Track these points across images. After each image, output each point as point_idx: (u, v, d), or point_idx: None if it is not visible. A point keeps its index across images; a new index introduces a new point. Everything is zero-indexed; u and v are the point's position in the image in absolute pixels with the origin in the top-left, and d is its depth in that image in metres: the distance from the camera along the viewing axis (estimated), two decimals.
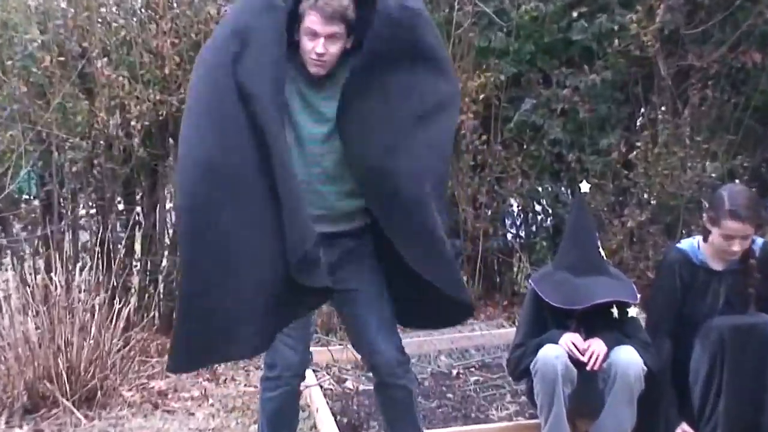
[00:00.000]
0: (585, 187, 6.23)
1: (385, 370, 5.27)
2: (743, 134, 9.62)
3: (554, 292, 5.88)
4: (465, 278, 9.96)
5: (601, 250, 6.12)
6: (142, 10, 9.36)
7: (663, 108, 9.42)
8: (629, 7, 9.44)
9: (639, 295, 6.04)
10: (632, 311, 5.98)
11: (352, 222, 5.17)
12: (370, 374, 5.74)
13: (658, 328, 6.11)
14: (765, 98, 9.68)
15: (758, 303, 6.05)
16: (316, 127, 4.92)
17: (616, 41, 9.40)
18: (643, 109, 9.77)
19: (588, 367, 5.73)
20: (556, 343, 5.77)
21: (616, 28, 9.43)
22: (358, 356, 5.67)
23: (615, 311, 5.89)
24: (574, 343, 5.75)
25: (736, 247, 5.86)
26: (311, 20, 4.76)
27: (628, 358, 5.72)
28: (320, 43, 4.78)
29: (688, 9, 9.45)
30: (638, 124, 9.83)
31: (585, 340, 5.82)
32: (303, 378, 5.44)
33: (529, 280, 6.36)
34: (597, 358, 5.73)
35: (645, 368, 5.71)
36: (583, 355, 5.73)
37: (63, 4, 9.32)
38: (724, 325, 5.87)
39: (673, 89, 9.43)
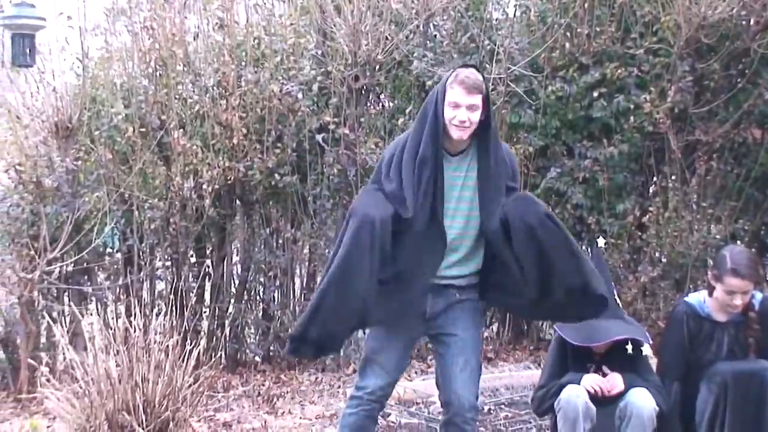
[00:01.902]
0: (601, 242, 6.28)
1: (456, 410, 5.27)
2: (744, 201, 9.66)
3: (575, 333, 5.87)
4: (496, 325, 9.97)
5: (617, 297, 6.12)
6: (214, 88, 9.43)
7: (673, 177, 9.41)
8: (644, 89, 9.50)
9: (651, 341, 6.03)
10: (645, 350, 5.97)
11: (462, 278, 5.25)
12: (412, 409, 5.74)
13: (668, 372, 6.08)
14: (764, 170, 9.72)
15: (757, 351, 6.02)
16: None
17: (632, 118, 9.45)
18: (655, 178, 9.79)
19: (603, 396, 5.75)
20: (578, 383, 5.77)
21: (632, 106, 9.48)
22: (401, 393, 5.68)
23: (630, 348, 5.88)
24: (598, 385, 5.75)
25: (738, 301, 5.84)
26: (454, 93, 5.04)
27: (643, 398, 5.69)
28: (463, 110, 5.02)
29: (696, 90, 9.51)
30: (651, 191, 9.86)
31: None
32: (382, 406, 5.50)
33: (554, 326, 6.37)
34: (614, 387, 5.75)
35: (657, 408, 5.68)
36: (602, 390, 5.73)
37: (145, 82, 9.43)
38: (726, 371, 5.85)
39: (682, 161, 9.43)
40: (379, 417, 5.67)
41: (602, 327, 5.81)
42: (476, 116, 5.07)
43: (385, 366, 5.31)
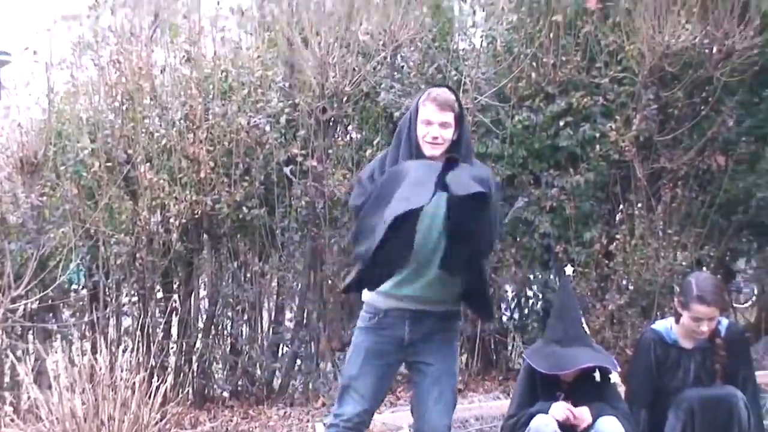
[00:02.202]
0: (569, 270, 6.29)
1: None
2: (709, 228, 9.66)
3: (544, 362, 5.88)
4: (465, 356, 9.95)
5: (584, 325, 6.12)
6: (181, 121, 9.40)
7: (639, 205, 9.42)
8: (609, 117, 9.53)
9: (619, 368, 6.03)
10: (614, 378, 5.97)
11: (441, 305, 5.30)
12: None
13: (635, 399, 6.10)
14: (728, 196, 9.76)
15: (724, 377, 6.04)
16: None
17: (598, 147, 9.46)
18: (621, 206, 9.79)
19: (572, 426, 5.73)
20: (546, 413, 5.75)
21: (597, 135, 9.49)
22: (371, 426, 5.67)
23: (597, 375, 5.87)
24: (566, 411, 5.74)
25: (704, 327, 5.87)
26: (427, 111, 5.17)
27: (612, 427, 5.69)
28: (435, 127, 5.15)
29: (661, 118, 9.55)
30: (617, 219, 9.86)
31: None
32: None
33: (523, 355, 6.37)
34: (582, 421, 5.72)
35: None
36: (571, 418, 5.71)
37: (111, 116, 9.39)
38: (694, 397, 5.87)
39: (647, 188, 9.46)
40: None
41: (570, 355, 5.81)
42: (449, 133, 5.19)
43: (363, 392, 5.35)
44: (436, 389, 5.32)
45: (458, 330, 5.63)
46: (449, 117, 5.18)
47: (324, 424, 7.02)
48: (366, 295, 5.49)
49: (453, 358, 5.50)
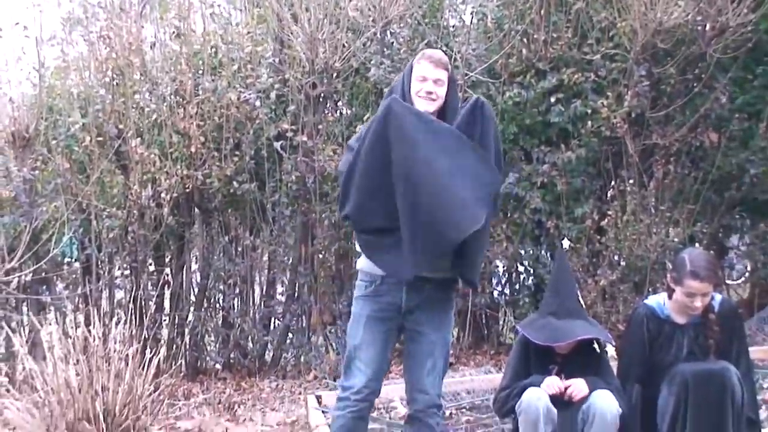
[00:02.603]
0: (565, 244, 6.28)
1: (422, 407, 5.35)
2: (702, 204, 9.66)
3: (539, 333, 5.87)
4: (456, 330, 9.97)
5: (580, 298, 6.13)
6: (172, 96, 9.40)
7: (631, 181, 9.43)
8: (601, 94, 9.52)
9: (614, 342, 6.04)
10: (609, 350, 5.99)
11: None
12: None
13: (628, 374, 6.08)
14: (721, 173, 9.74)
15: (717, 352, 6.03)
16: None
17: (590, 123, 9.46)
18: (613, 182, 9.79)
19: (567, 398, 5.73)
20: (539, 386, 5.75)
21: (589, 111, 9.48)
22: None
23: (597, 347, 5.89)
24: (558, 387, 5.74)
25: (698, 303, 5.85)
26: (421, 68, 5.24)
27: (606, 400, 5.68)
28: (430, 83, 5.20)
29: (653, 95, 9.53)
30: (609, 195, 9.84)
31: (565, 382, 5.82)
32: (371, 405, 5.48)
33: (517, 326, 6.37)
34: (579, 392, 5.72)
35: (620, 410, 5.68)
36: (564, 392, 5.72)
37: (102, 92, 9.36)
38: (687, 371, 5.85)
39: (639, 165, 9.46)
40: None
41: (566, 327, 5.81)
42: (442, 91, 5.27)
43: (368, 361, 5.34)
44: (429, 360, 5.33)
45: (453, 299, 5.61)
46: (443, 75, 5.24)
47: (317, 398, 7.04)
48: (361, 262, 5.46)
49: (447, 328, 5.49)
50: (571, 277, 6.29)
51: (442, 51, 9.23)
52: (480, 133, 5.12)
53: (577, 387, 5.76)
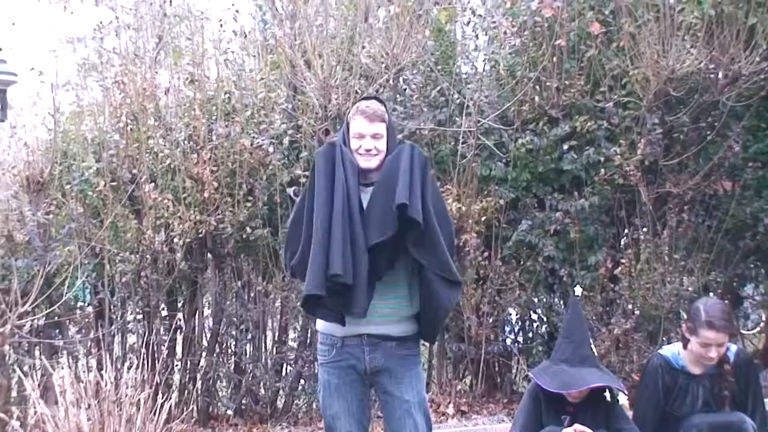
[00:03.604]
0: (578, 290, 6.26)
1: None
2: (716, 253, 9.63)
3: (551, 380, 5.82)
4: (469, 378, 9.92)
5: (593, 346, 6.08)
6: (185, 142, 9.40)
7: (644, 229, 9.38)
8: (614, 141, 9.50)
9: (627, 392, 6.00)
10: (621, 399, 5.94)
11: (396, 326, 5.18)
12: None
13: (643, 425, 6.03)
14: (735, 221, 9.71)
15: (732, 403, 6.00)
16: None
17: (603, 171, 9.44)
18: (626, 230, 9.78)
19: None
20: None
21: (602, 159, 9.46)
22: None
23: (608, 396, 5.83)
24: None
25: (713, 353, 5.82)
26: (357, 124, 5.13)
27: None
28: (368, 139, 5.10)
29: (666, 143, 9.50)
30: (622, 243, 9.83)
31: None
32: None
33: (529, 373, 6.33)
34: None
35: None
36: None
37: (116, 137, 9.38)
38: (703, 423, 5.83)
39: (653, 213, 9.42)
40: None
41: (578, 375, 5.76)
42: (382, 144, 5.16)
43: (349, 429, 5.25)
44: (409, 421, 5.22)
45: (419, 354, 5.48)
46: (380, 128, 5.15)
47: None
48: (319, 323, 5.39)
49: (420, 384, 5.38)
50: (584, 324, 6.25)
51: (455, 99, 9.37)
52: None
53: None
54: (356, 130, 5.14)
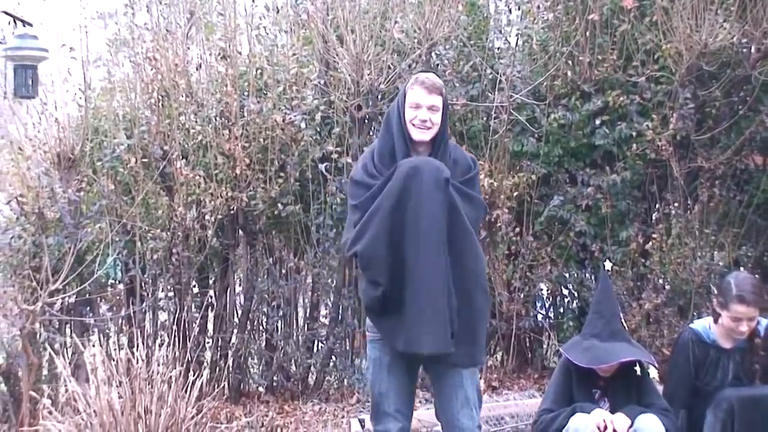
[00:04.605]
0: (608, 266, 6.27)
1: None
2: (747, 227, 9.60)
3: (582, 355, 5.84)
4: (500, 354, 9.93)
5: (623, 320, 6.08)
6: (217, 118, 9.40)
7: (676, 204, 9.39)
8: (646, 116, 9.47)
9: (657, 365, 6.00)
10: (652, 373, 5.95)
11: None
12: None
13: (673, 399, 6.05)
14: (766, 196, 9.67)
15: (763, 377, 5.99)
16: None
17: (634, 146, 9.42)
18: (658, 205, 9.76)
19: None
20: (587, 413, 5.72)
21: (634, 134, 9.44)
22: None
23: (638, 370, 5.84)
24: (605, 420, 5.68)
25: (744, 327, 5.83)
26: (414, 94, 5.16)
27: (652, 425, 5.65)
28: (424, 110, 5.13)
29: (698, 117, 9.48)
30: (654, 218, 9.82)
31: (609, 408, 5.79)
32: None
33: (560, 348, 6.34)
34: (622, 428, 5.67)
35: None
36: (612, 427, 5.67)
37: (147, 113, 9.40)
38: (733, 396, 5.83)
39: (684, 188, 9.41)
40: None
41: (609, 349, 5.78)
42: (437, 117, 5.20)
43: (398, 406, 5.31)
44: (460, 392, 5.24)
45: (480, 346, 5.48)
46: (438, 100, 5.19)
47: (360, 421, 7.01)
48: None
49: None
50: (614, 298, 6.26)
51: (487, 74, 9.36)
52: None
53: (620, 424, 5.70)
54: (413, 99, 5.19)
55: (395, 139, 5.22)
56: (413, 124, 5.17)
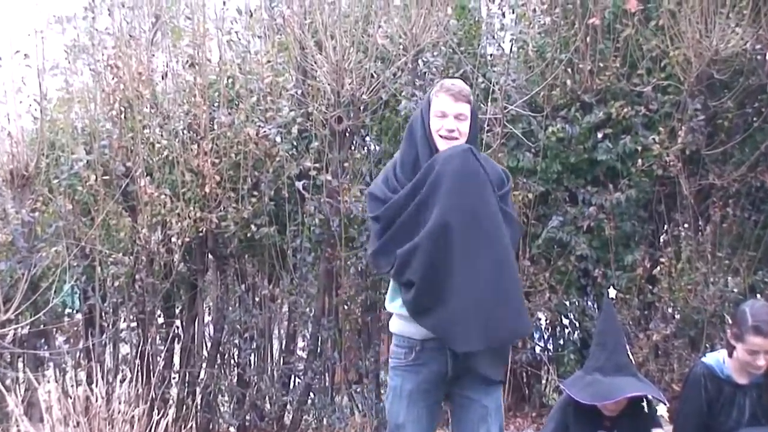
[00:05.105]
0: (612, 293, 6.24)
1: None
2: (764, 250, 9.56)
3: (584, 392, 5.79)
4: None
5: (629, 353, 6.05)
6: (184, 131, 9.41)
7: (685, 225, 9.38)
8: (652, 129, 9.47)
9: (667, 402, 5.96)
10: (660, 410, 5.90)
11: None
12: None
13: None
14: None
15: None
16: None
17: (640, 161, 9.40)
18: (666, 226, 9.74)
19: None
20: None
21: (639, 148, 9.43)
22: None
23: (645, 406, 5.79)
24: None
25: (761, 361, 5.79)
26: (440, 102, 5.15)
27: None
28: (450, 119, 5.13)
29: (709, 130, 9.46)
30: (662, 240, 9.79)
31: None
32: None
33: (560, 384, 6.31)
34: None
35: None
36: None
37: (108, 126, 9.39)
38: None
39: (695, 207, 9.40)
40: None
41: (614, 384, 5.74)
42: (465, 126, 5.21)
43: None
44: (482, 427, 5.22)
45: (508, 355, 5.52)
46: (465, 108, 5.19)
47: None
48: (395, 324, 5.36)
49: (499, 391, 5.37)
50: (619, 329, 6.22)
51: (479, 83, 9.34)
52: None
53: None
54: (439, 108, 5.18)
55: (419, 150, 5.22)
56: (439, 135, 5.16)
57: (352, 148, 9.89)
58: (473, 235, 4.91)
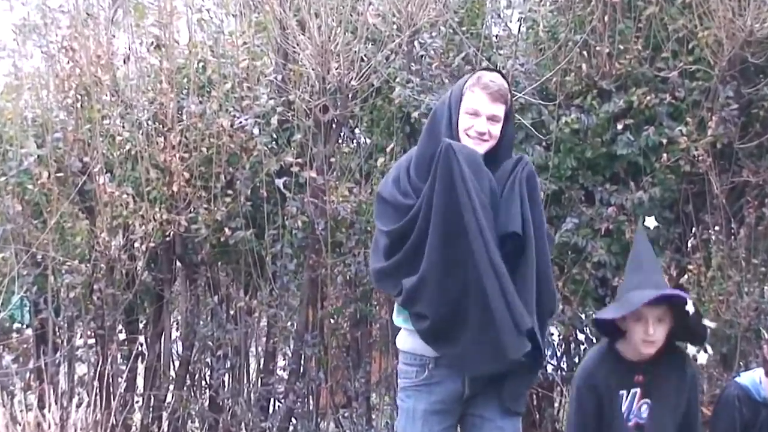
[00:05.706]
0: (650, 222, 6.18)
1: None
2: None
3: (613, 311, 5.70)
4: None
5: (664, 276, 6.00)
6: (149, 123, 9.37)
7: (716, 228, 9.35)
8: (679, 120, 9.43)
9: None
10: (689, 306, 5.72)
11: None
12: None
13: None
14: None
15: None
16: None
17: (665, 156, 9.34)
18: (694, 229, 9.69)
19: None
20: None
21: (664, 141, 9.35)
22: None
23: (690, 306, 5.61)
24: None
25: None
26: (475, 99, 5.11)
27: None
28: (483, 120, 5.10)
29: (743, 121, 9.40)
30: (689, 245, 9.74)
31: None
32: None
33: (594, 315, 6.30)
34: None
35: None
36: None
37: (63, 116, 9.36)
38: None
39: (727, 207, 9.34)
40: None
41: (647, 293, 5.58)
42: (497, 129, 5.19)
43: None
44: None
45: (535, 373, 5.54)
46: (500, 110, 5.16)
47: None
48: (403, 341, 5.39)
49: (518, 422, 5.43)
50: (654, 253, 6.10)
51: (480, 66, 9.31)
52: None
53: None
54: (472, 105, 5.14)
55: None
56: (467, 134, 5.13)
57: (340, 141, 9.90)
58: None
